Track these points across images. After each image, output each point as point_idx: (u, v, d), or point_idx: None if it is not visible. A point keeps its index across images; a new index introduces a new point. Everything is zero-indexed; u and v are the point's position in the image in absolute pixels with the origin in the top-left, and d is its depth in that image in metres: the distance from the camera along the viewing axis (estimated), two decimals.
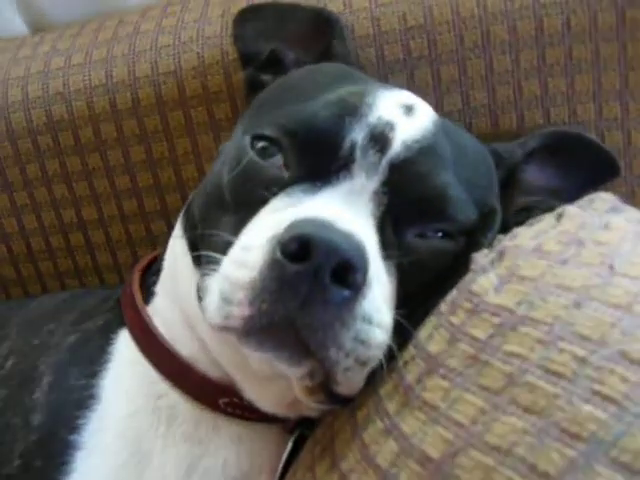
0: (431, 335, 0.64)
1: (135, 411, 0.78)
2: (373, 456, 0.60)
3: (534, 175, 0.90)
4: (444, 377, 0.59)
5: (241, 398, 0.78)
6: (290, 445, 0.79)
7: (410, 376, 0.63)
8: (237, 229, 0.70)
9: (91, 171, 1.09)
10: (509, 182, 0.87)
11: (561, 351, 0.53)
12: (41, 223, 1.13)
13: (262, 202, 0.70)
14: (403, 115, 0.73)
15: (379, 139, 0.70)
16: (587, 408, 0.49)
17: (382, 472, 0.58)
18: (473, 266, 0.66)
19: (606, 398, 0.49)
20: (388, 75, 1.00)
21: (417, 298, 0.70)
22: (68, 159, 1.09)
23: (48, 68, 1.09)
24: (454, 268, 0.70)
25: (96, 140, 1.08)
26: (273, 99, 0.82)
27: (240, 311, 0.63)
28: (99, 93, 1.06)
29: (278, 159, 0.72)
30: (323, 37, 0.95)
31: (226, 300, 0.64)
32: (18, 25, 1.22)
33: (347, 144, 0.70)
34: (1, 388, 0.80)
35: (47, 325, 0.86)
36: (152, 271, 0.89)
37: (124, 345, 0.82)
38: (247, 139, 0.74)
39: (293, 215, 0.65)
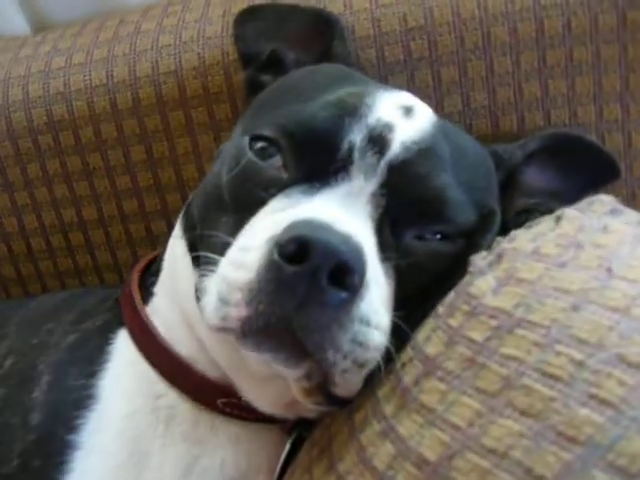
0: (429, 337, 0.64)
1: (134, 411, 0.78)
2: (370, 458, 0.60)
3: (534, 177, 0.89)
4: (441, 379, 0.59)
5: (239, 398, 0.78)
6: (288, 446, 0.79)
7: (407, 378, 0.63)
8: (235, 230, 0.70)
9: (91, 171, 1.09)
10: (509, 184, 0.86)
11: (558, 354, 0.53)
12: (41, 223, 1.13)
13: (260, 203, 0.70)
14: (402, 116, 0.73)
15: (378, 140, 0.70)
16: (584, 411, 0.49)
17: (379, 474, 0.58)
18: (471, 268, 0.66)
19: (603, 402, 0.49)
20: (388, 76, 0.99)
21: (415, 300, 0.70)
22: (69, 159, 1.09)
23: (49, 68, 1.09)
24: (452, 270, 0.70)
25: (97, 140, 1.08)
26: (273, 99, 0.81)
27: (237, 312, 0.63)
28: (100, 93, 1.06)
29: (277, 160, 0.72)
30: (323, 38, 0.95)
31: (223, 301, 0.64)
32: (20, 24, 1.22)
33: (345, 145, 0.70)
34: (0, 387, 0.80)
35: (46, 324, 0.86)
36: (151, 271, 0.90)
37: (123, 345, 0.82)
38: (246, 139, 0.74)
39: (291, 216, 0.64)
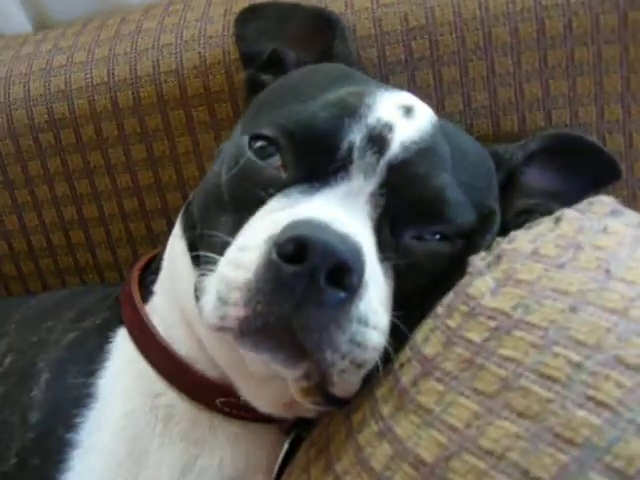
0: (427, 338, 0.64)
1: (132, 410, 0.79)
2: (367, 459, 0.60)
3: (534, 177, 0.89)
4: (439, 380, 0.59)
5: (238, 398, 0.78)
6: (286, 446, 0.79)
7: (405, 379, 0.63)
8: (235, 229, 0.70)
9: (92, 169, 1.09)
10: (509, 184, 0.86)
11: (556, 356, 0.53)
12: (42, 220, 1.13)
13: (260, 202, 0.70)
14: (402, 116, 0.73)
15: (377, 140, 0.70)
16: (581, 413, 0.49)
17: (376, 475, 0.58)
18: (470, 269, 0.66)
19: (600, 404, 0.49)
20: (389, 76, 0.99)
21: (414, 300, 0.70)
22: (69, 157, 1.09)
23: (50, 66, 1.09)
24: (451, 270, 0.70)
25: (97, 138, 1.08)
26: (273, 99, 0.81)
27: (236, 312, 0.63)
28: (101, 91, 1.06)
29: (276, 159, 0.72)
30: (324, 37, 0.95)
31: (222, 300, 0.64)
32: (21, 22, 1.22)
33: (345, 145, 0.70)
34: None
35: (46, 322, 0.86)
36: (151, 270, 0.90)
37: (122, 344, 0.82)
38: (245, 139, 0.74)
39: (290, 216, 0.64)
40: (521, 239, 0.67)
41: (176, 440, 0.78)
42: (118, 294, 0.88)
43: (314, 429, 0.76)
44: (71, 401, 0.77)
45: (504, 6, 0.96)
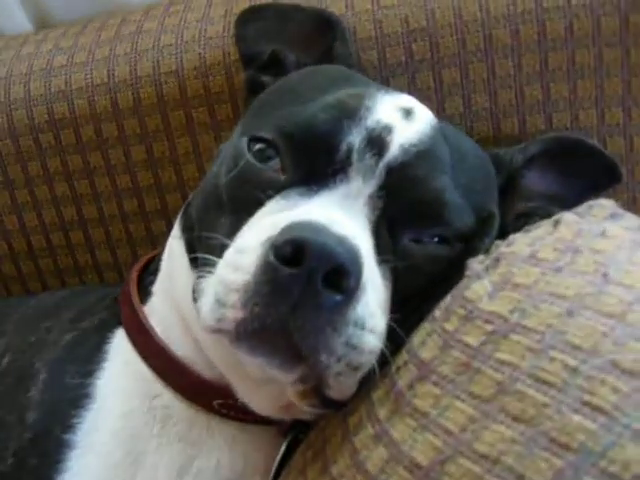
0: (424, 341, 0.64)
1: (130, 410, 0.78)
2: (363, 462, 0.60)
3: (535, 181, 0.89)
4: (435, 384, 0.59)
5: (235, 400, 0.78)
6: (284, 448, 0.79)
7: (402, 382, 0.63)
8: (233, 231, 0.70)
9: (92, 169, 1.09)
10: (509, 187, 0.86)
11: (552, 360, 0.53)
12: (42, 221, 1.13)
13: (258, 204, 0.70)
14: (402, 119, 0.73)
15: (376, 142, 0.70)
16: (577, 418, 0.49)
17: (371, 478, 0.58)
18: (468, 272, 0.66)
19: (596, 408, 0.49)
20: (389, 78, 0.99)
21: (412, 303, 0.70)
22: (69, 157, 1.09)
23: (51, 66, 1.09)
24: (450, 273, 0.69)
25: (97, 139, 1.08)
26: (272, 100, 0.81)
27: (233, 314, 0.63)
28: (101, 92, 1.06)
29: (275, 162, 0.72)
30: (324, 39, 0.94)
31: (220, 302, 0.64)
32: (22, 22, 1.22)
33: (344, 147, 0.70)
34: None
35: (45, 322, 0.87)
36: (150, 271, 0.90)
37: (120, 344, 0.82)
38: (244, 141, 0.74)
39: (288, 218, 0.64)
40: (519, 242, 0.67)
41: (173, 441, 0.78)
42: (117, 294, 0.88)
43: (311, 431, 0.76)
44: (69, 401, 0.77)
45: (505, 8, 0.96)
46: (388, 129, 0.71)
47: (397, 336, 0.67)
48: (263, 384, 0.74)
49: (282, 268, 0.60)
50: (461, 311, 0.62)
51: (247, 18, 1.01)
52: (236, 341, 0.64)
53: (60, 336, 0.83)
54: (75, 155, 1.09)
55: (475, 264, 0.67)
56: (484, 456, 0.51)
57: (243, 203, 0.72)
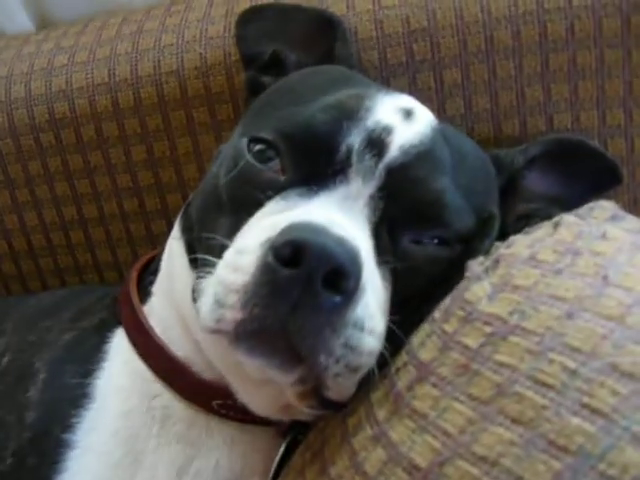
0: (423, 342, 0.64)
1: (129, 410, 0.78)
2: (362, 463, 0.60)
3: (535, 182, 0.89)
4: (434, 385, 0.59)
5: (235, 400, 0.78)
6: (282, 448, 0.79)
7: (401, 383, 0.63)
8: (233, 232, 0.70)
9: (92, 169, 1.09)
10: (510, 189, 0.86)
11: (551, 362, 0.52)
12: (42, 220, 1.13)
13: (258, 205, 0.70)
14: (402, 120, 0.73)
15: (376, 143, 0.70)
16: (575, 420, 0.49)
17: (370, 479, 0.58)
18: (468, 274, 0.66)
19: (595, 411, 0.49)
20: (390, 78, 0.99)
21: (412, 304, 0.70)
22: (70, 157, 1.09)
23: (51, 65, 1.09)
24: (449, 275, 0.69)
25: (98, 138, 1.08)
26: (272, 101, 0.81)
27: (232, 314, 0.63)
28: (102, 91, 1.06)
29: (275, 163, 0.72)
30: (325, 39, 0.94)
31: (219, 303, 0.64)
32: (23, 22, 1.22)
33: (344, 148, 0.69)
34: None
35: (44, 322, 0.87)
36: (150, 271, 0.90)
37: (120, 344, 0.82)
38: (244, 141, 0.74)
39: (287, 219, 0.64)
40: (519, 244, 0.67)
41: (172, 441, 0.78)
42: (117, 294, 0.88)
43: (310, 432, 0.75)
44: (68, 401, 0.77)
45: (506, 9, 0.96)
46: (388, 130, 0.71)
47: (396, 337, 0.67)
48: (262, 385, 0.74)
49: (281, 269, 0.60)
50: (460, 313, 0.62)
51: (248, 18, 1.00)
52: (235, 342, 0.64)
53: (60, 336, 0.83)
54: (76, 154, 1.09)
55: (475, 266, 0.67)
56: (483, 458, 0.51)
57: (243, 204, 0.72)
